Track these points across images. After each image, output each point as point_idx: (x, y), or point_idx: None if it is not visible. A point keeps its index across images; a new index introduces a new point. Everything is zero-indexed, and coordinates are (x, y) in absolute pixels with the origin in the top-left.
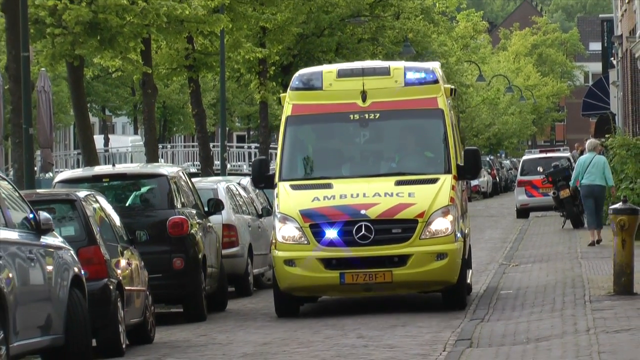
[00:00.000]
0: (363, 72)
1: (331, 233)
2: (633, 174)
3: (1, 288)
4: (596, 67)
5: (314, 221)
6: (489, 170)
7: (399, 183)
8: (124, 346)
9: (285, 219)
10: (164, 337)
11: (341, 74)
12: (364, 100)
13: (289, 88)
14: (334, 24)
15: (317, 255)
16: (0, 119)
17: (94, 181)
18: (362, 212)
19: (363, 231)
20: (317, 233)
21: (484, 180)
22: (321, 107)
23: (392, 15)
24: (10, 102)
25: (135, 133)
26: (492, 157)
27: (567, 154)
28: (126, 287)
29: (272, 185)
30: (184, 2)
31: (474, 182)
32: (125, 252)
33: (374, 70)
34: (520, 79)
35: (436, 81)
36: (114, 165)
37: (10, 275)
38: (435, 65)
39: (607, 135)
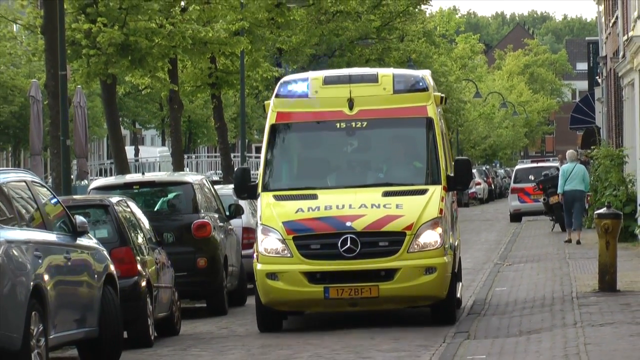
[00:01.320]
0: (350, 79)
1: (315, 246)
2: (616, 181)
3: (41, 285)
4: (583, 85)
5: (298, 233)
6: (485, 178)
7: (386, 194)
8: (152, 338)
9: (267, 230)
10: (189, 329)
11: (327, 81)
12: (350, 108)
13: (273, 95)
14: (344, 45)
15: (301, 269)
16: (40, 132)
17: (125, 188)
18: (348, 224)
19: (349, 244)
20: (301, 245)
21: (480, 187)
22: (306, 115)
23: (397, 38)
24: (49, 116)
25: (163, 144)
26: (487, 167)
27: (556, 164)
28: (154, 284)
29: (255, 196)
30: (208, 25)
31: (471, 189)
32: (153, 252)
33: (361, 77)
34: (513, 95)
35: (426, 89)
36: (143, 173)
37: (50, 273)
38: (425, 73)
39: (592, 147)
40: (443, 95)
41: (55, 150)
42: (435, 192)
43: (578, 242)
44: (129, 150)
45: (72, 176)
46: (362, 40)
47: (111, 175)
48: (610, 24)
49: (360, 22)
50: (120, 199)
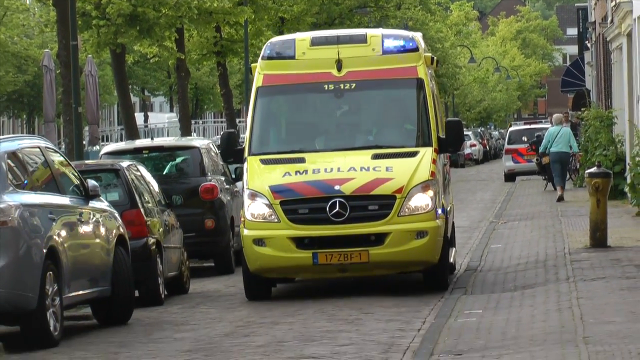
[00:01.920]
0: (338, 40)
1: (303, 210)
2: (606, 142)
3: (56, 247)
4: (573, 49)
5: (285, 198)
6: (480, 140)
7: (376, 157)
8: (162, 296)
9: (254, 195)
10: (197, 288)
11: (315, 42)
12: (339, 69)
13: (260, 57)
14: (344, 14)
15: (288, 234)
16: (53, 100)
17: (135, 153)
18: (337, 187)
19: (337, 208)
20: (288, 210)
21: (475, 149)
22: (294, 77)
23: (394, 6)
24: (62, 85)
25: (171, 111)
26: (482, 129)
27: (548, 125)
28: (164, 245)
29: (242, 160)
30: None
31: (467, 150)
32: (163, 214)
33: (350, 37)
34: (506, 60)
35: (416, 49)
36: (152, 138)
37: (63, 235)
38: (415, 34)
39: (583, 109)
40: (433, 56)
41: (68, 117)
42: (426, 154)
43: (561, 198)
44: (139, 117)
45: (84, 142)
46: (361, 8)
47: (122, 140)
48: None
49: None
50: (131, 163)
